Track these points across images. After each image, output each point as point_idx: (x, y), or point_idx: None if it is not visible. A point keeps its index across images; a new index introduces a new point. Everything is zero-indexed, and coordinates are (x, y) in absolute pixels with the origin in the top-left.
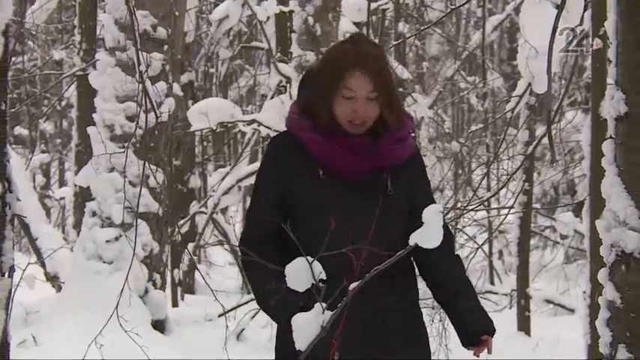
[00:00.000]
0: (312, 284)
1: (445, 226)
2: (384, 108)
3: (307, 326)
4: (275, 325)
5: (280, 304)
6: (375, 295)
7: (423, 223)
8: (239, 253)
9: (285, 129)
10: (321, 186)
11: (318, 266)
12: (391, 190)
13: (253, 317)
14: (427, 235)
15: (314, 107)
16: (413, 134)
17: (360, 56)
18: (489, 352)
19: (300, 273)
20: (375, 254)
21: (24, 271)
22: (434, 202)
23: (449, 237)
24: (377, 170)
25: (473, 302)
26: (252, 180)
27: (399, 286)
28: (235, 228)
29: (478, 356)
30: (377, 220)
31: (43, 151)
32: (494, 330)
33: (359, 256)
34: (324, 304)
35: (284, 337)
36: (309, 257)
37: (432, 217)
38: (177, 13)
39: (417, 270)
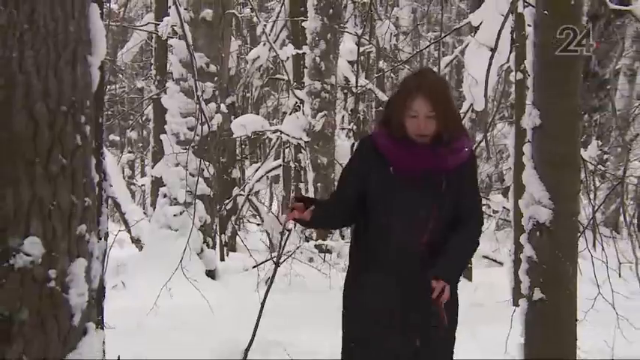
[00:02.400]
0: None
1: (479, 217)
2: (441, 125)
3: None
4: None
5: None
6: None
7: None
8: None
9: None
10: (390, 179)
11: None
12: (444, 187)
13: (277, 268)
14: None
15: (390, 121)
16: (467, 149)
17: (422, 84)
18: (433, 294)
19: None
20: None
21: (116, 236)
22: (475, 201)
23: (476, 226)
24: (434, 172)
25: (452, 252)
26: (277, 172)
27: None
28: (265, 206)
29: (434, 294)
30: (431, 210)
31: (129, 152)
32: (446, 278)
33: (423, 229)
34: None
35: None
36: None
37: None
38: (223, 55)
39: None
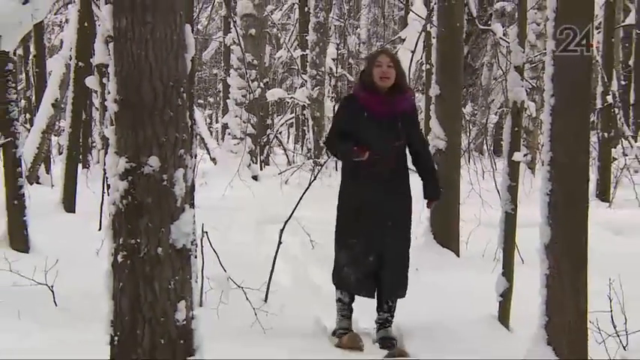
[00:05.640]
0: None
1: (427, 145)
2: (397, 75)
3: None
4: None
5: (346, 149)
6: (387, 171)
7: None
8: (325, 142)
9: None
10: (364, 121)
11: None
12: (400, 126)
13: (292, 174)
14: None
15: (365, 81)
16: (413, 98)
17: (383, 50)
18: (429, 207)
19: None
20: (390, 153)
21: (201, 156)
22: (422, 135)
23: (429, 152)
24: (394, 115)
25: (432, 179)
26: (291, 121)
27: (400, 168)
28: (284, 139)
29: (430, 207)
30: (392, 140)
31: (209, 109)
32: (438, 197)
33: (386, 152)
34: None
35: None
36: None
37: None
38: (261, 54)
39: (410, 160)
